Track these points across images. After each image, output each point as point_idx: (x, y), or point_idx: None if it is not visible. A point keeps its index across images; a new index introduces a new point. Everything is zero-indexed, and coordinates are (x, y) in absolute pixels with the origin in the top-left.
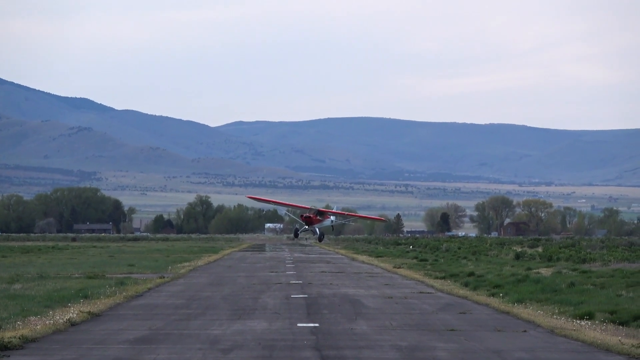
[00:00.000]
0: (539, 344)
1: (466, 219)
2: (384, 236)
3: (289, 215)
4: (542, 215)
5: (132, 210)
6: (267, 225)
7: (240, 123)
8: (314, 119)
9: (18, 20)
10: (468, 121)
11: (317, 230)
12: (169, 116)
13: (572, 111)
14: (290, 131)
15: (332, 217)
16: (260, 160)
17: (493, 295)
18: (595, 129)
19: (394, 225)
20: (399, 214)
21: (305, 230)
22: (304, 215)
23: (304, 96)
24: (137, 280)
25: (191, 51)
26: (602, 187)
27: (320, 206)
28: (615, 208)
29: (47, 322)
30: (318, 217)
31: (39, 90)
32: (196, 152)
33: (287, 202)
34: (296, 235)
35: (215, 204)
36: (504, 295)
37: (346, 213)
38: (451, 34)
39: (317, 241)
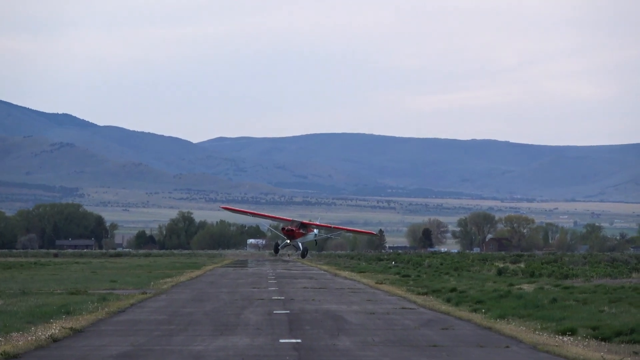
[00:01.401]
0: (522, 359)
1: (448, 235)
2: (366, 252)
3: (271, 230)
4: (525, 231)
5: (114, 226)
6: (250, 241)
7: (223, 139)
8: (296, 135)
9: (1, 37)
10: (450, 137)
11: (300, 245)
12: (151, 132)
13: (555, 127)
14: (273, 147)
15: (315, 231)
16: (243, 176)
17: (475, 311)
18: (577, 145)
19: (377, 241)
20: (381, 229)
21: (287, 245)
22: (286, 228)
23: (287, 112)
24: (120, 296)
25: (173, 68)
26: (584, 203)
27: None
28: (597, 224)
29: (29, 338)
30: (301, 231)
31: (21, 106)
32: (178, 168)
33: (264, 213)
34: (276, 251)
35: (197, 220)
36: (486, 311)
37: (332, 226)
38: (434, 51)
39: (300, 257)
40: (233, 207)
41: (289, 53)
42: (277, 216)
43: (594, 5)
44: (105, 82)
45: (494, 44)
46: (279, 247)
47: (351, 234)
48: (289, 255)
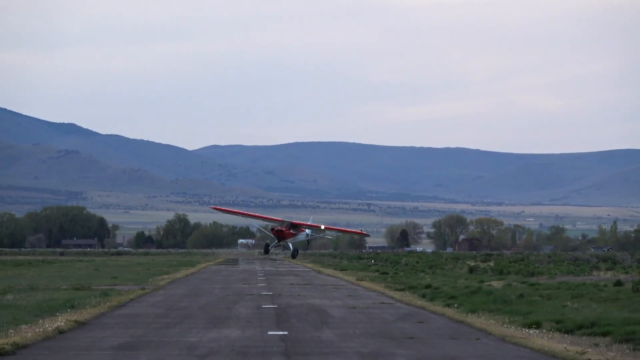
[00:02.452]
0: (491, 351)
1: (424, 236)
2: (348, 251)
3: (261, 231)
4: (494, 232)
5: (115, 227)
6: (240, 241)
7: (216, 147)
8: (283, 143)
9: (12, 51)
10: (425, 145)
11: (290, 245)
12: (150, 140)
13: (522, 136)
14: (262, 154)
15: (307, 231)
16: (234, 181)
17: (448, 305)
18: (543, 153)
19: (357, 241)
20: (361, 230)
21: (277, 245)
22: (276, 228)
23: (275, 122)
24: (120, 292)
25: (170, 81)
26: (549, 206)
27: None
28: (561, 226)
29: (37, 330)
30: (291, 231)
31: (29, 116)
32: (175, 173)
33: (254, 214)
34: (266, 251)
35: (192, 221)
36: (459, 305)
37: (324, 226)
38: (411, 67)
39: (291, 257)
40: (222, 208)
41: (277, 68)
42: (267, 216)
43: (556, 25)
44: (107, 94)
45: (465, 60)
46: (269, 248)
47: (341, 233)
48: (276, 254)
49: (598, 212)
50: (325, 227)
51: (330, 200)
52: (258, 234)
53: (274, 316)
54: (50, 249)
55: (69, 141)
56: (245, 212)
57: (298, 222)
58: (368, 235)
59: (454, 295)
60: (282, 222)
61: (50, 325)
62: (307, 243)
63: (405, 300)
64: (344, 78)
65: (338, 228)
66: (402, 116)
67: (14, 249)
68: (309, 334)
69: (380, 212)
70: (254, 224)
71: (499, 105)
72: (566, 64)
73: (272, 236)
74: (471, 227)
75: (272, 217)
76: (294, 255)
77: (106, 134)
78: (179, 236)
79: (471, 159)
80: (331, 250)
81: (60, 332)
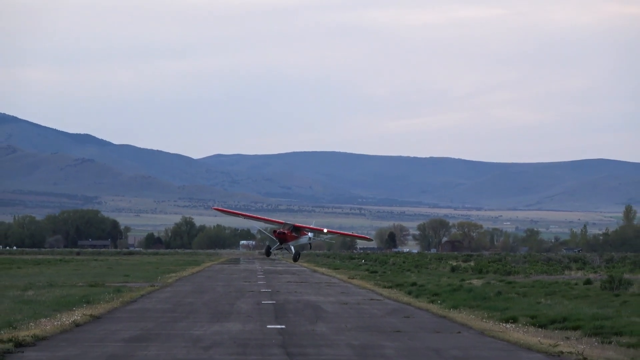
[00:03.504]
0: (471, 343)
1: (410, 238)
2: (340, 252)
3: (262, 232)
4: (474, 234)
5: (127, 229)
6: (242, 242)
7: (219, 155)
8: (281, 152)
9: (34, 68)
10: (412, 155)
11: (293, 248)
12: (159, 149)
13: (500, 147)
14: (262, 163)
15: (309, 234)
16: (236, 187)
17: (432, 301)
18: (519, 162)
19: (349, 243)
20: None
21: (279, 248)
22: (277, 231)
23: (273, 133)
24: (132, 288)
25: (177, 95)
26: (524, 211)
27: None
28: (535, 229)
29: (55, 323)
30: (293, 234)
31: (49, 127)
32: (182, 180)
33: (255, 215)
34: (268, 254)
35: (197, 224)
36: (442, 302)
37: (327, 230)
38: (399, 83)
39: (292, 260)
40: (224, 209)
41: (276, 84)
42: (269, 218)
43: (530, 47)
44: (120, 108)
45: (449, 77)
46: (271, 250)
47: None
48: (274, 254)
49: (569, 216)
50: (327, 231)
51: (325, 205)
52: (258, 236)
53: (272, 311)
54: (68, 249)
55: (85, 150)
56: (246, 213)
57: (300, 224)
58: (370, 240)
59: (438, 292)
60: (284, 224)
61: (67, 318)
62: (310, 247)
63: (392, 297)
64: (338, 93)
65: (340, 232)
66: (390, 128)
67: (34, 249)
68: (304, 328)
69: (370, 216)
70: (255, 226)
71: (479, 118)
72: (540, 81)
73: (274, 238)
74: (453, 230)
75: (273, 219)
76: (295, 258)
77: (119, 144)
78: (186, 237)
79: (453, 167)
80: (325, 250)
81: (77, 325)
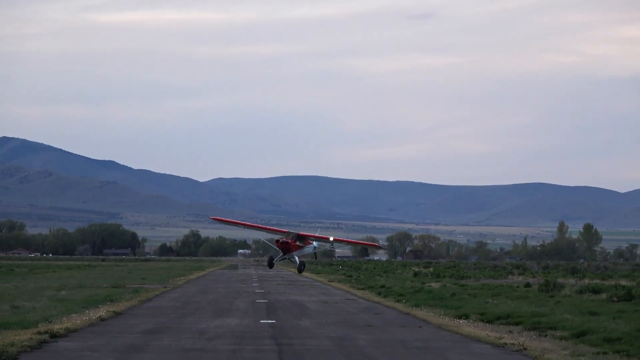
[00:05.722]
0: (431, 335)
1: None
2: (321, 259)
3: (257, 243)
4: (433, 245)
5: (144, 240)
6: (239, 251)
7: (221, 179)
8: (273, 176)
9: (67, 105)
10: (381, 179)
11: (297, 258)
12: (172, 174)
13: (455, 172)
14: (256, 185)
15: (314, 243)
16: (235, 206)
17: (398, 301)
18: (470, 185)
19: (329, 252)
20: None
21: (283, 259)
22: (280, 240)
23: (266, 160)
24: (148, 289)
25: (186, 128)
26: (475, 226)
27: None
28: (484, 241)
29: (84, 318)
30: (297, 243)
31: (79, 154)
32: (190, 199)
33: (257, 225)
34: (271, 265)
35: (203, 235)
36: (406, 301)
37: (333, 238)
38: (370, 119)
39: (297, 272)
40: (221, 218)
41: (269, 119)
42: (271, 227)
43: (479, 88)
44: (138, 138)
45: (412, 114)
46: (274, 261)
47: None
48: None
49: (512, 231)
50: (334, 239)
51: (309, 220)
52: (253, 246)
53: (265, 309)
54: (94, 257)
55: (109, 174)
56: (247, 222)
57: (305, 233)
58: (381, 247)
59: (403, 293)
60: (288, 233)
61: (94, 314)
62: (315, 256)
63: (365, 297)
64: (321, 127)
65: (349, 240)
66: (363, 156)
67: (66, 256)
68: (291, 323)
69: (347, 229)
70: (251, 237)
71: (437, 148)
72: (488, 118)
73: (277, 249)
74: (416, 241)
75: (276, 228)
76: (300, 269)
77: (137, 169)
78: (193, 247)
79: (416, 189)
80: (310, 258)
81: (102, 319)
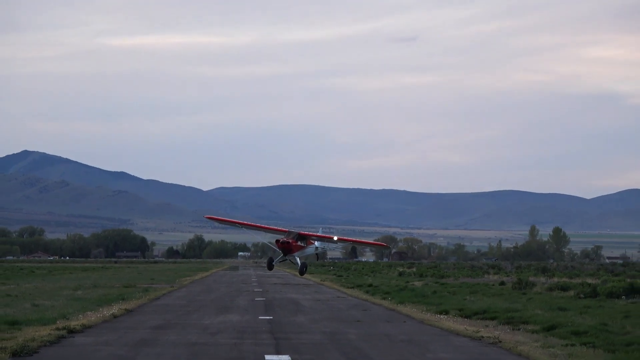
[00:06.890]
0: (414, 330)
1: (367, 250)
2: (313, 261)
3: (256, 246)
4: (416, 247)
5: (153, 244)
6: (240, 253)
7: (223, 188)
8: (271, 185)
9: (81, 121)
10: (369, 187)
11: (298, 260)
12: (177, 183)
13: (436, 181)
14: (256, 193)
15: (316, 243)
16: (236, 212)
17: (384, 298)
18: (450, 192)
19: (320, 254)
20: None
21: (283, 260)
22: (281, 240)
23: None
24: (156, 289)
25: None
26: (454, 230)
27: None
28: (462, 244)
29: (98, 315)
30: (299, 243)
31: (93, 166)
32: (194, 206)
33: (255, 224)
34: (270, 267)
35: (206, 239)
36: (391, 298)
37: (338, 238)
38: (359, 132)
39: (299, 274)
40: (215, 217)
41: (267, 133)
42: (270, 227)
43: (459, 104)
44: (147, 150)
45: (397, 128)
46: (274, 263)
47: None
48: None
49: (488, 234)
50: (338, 239)
51: (303, 225)
52: (252, 248)
53: (263, 306)
54: (107, 259)
55: (121, 184)
56: (244, 222)
57: (306, 232)
58: (388, 247)
59: (388, 291)
60: (289, 232)
61: (107, 312)
62: (317, 257)
63: (354, 295)
64: (314, 140)
65: (354, 239)
66: (353, 167)
67: (82, 259)
68: (287, 319)
69: (337, 233)
70: (249, 241)
71: (420, 159)
72: (466, 131)
73: (277, 249)
74: (400, 244)
75: (276, 228)
76: (302, 271)
77: (147, 179)
78: (197, 250)
79: (400, 197)
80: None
81: (115, 316)
